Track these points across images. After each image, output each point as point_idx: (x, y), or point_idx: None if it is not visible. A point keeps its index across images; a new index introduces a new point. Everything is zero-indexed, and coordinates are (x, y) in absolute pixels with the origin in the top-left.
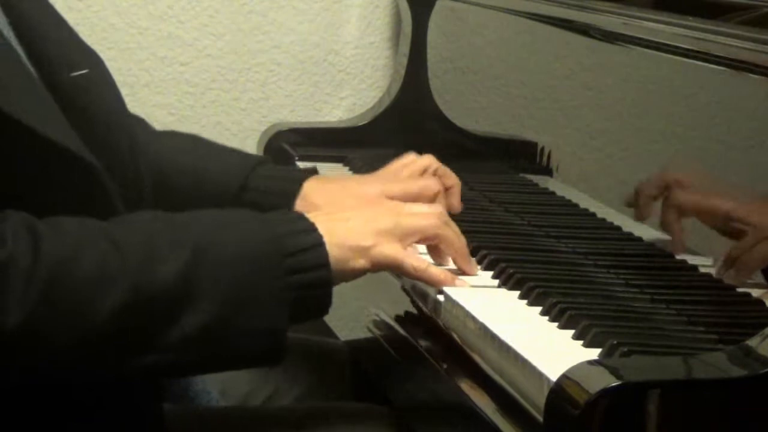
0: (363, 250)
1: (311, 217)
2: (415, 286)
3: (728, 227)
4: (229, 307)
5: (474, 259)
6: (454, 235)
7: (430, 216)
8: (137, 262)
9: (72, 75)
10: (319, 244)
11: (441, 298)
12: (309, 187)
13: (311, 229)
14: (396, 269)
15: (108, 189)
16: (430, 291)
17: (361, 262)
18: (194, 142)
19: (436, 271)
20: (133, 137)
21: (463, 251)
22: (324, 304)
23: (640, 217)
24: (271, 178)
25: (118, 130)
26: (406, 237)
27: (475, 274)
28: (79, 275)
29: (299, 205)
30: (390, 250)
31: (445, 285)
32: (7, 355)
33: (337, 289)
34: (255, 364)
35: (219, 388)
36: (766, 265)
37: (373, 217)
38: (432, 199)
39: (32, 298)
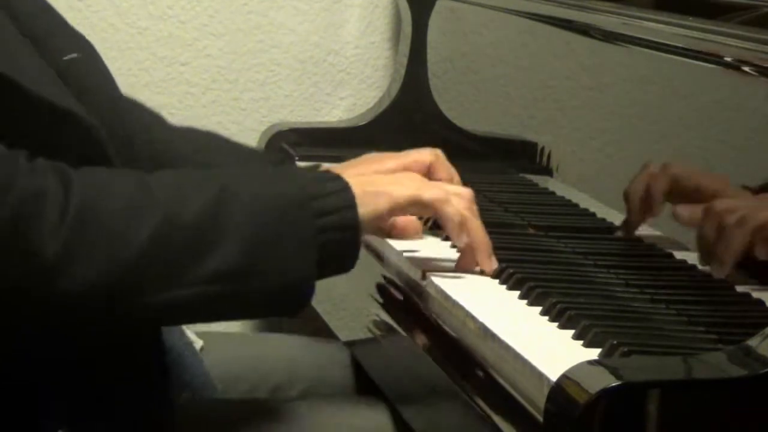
0: (386, 193)
1: (337, 168)
2: (416, 286)
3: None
4: (256, 245)
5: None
6: (478, 223)
7: (459, 192)
8: (166, 197)
9: (65, 59)
10: (344, 188)
11: (441, 297)
12: None
13: (336, 176)
14: (416, 204)
15: (112, 156)
16: (431, 290)
17: (382, 202)
18: (212, 140)
19: (454, 211)
20: (128, 122)
21: (485, 241)
22: (352, 249)
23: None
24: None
25: (111, 113)
26: (420, 203)
27: (492, 270)
28: (109, 206)
29: None
30: (409, 192)
31: (461, 233)
32: (45, 285)
33: (337, 289)
34: (277, 308)
35: (221, 387)
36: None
37: (399, 175)
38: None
39: (66, 227)
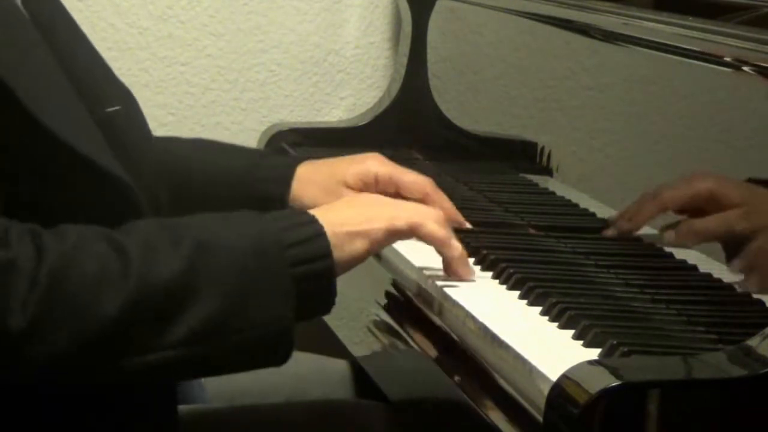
0: (361, 233)
1: (312, 210)
2: (416, 287)
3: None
4: (232, 300)
5: (471, 261)
6: (459, 249)
7: (427, 212)
8: (138, 261)
9: (107, 111)
10: (319, 233)
11: (441, 297)
12: (302, 170)
13: (311, 220)
14: (394, 235)
15: (145, 213)
16: (431, 290)
17: (359, 245)
18: (197, 144)
19: (434, 229)
20: (159, 175)
21: (460, 254)
22: (328, 296)
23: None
24: (271, 168)
25: (148, 166)
26: (396, 232)
27: (472, 279)
28: (81, 277)
29: (295, 188)
30: (384, 224)
31: (450, 246)
32: (11, 355)
33: (337, 290)
34: (261, 360)
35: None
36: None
37: (370, 204)
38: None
39: (35, 300)
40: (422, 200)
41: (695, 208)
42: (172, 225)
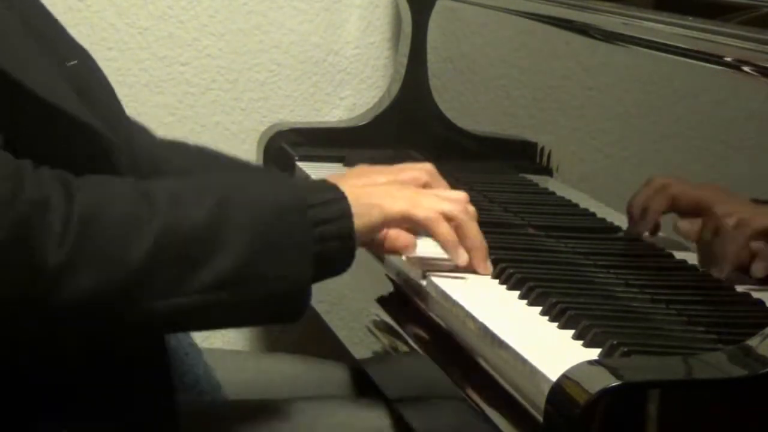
0: (378, 205)
1: (333, 177)
2: (416, 286)
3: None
4: (254, 253)
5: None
6: (465, 258)
7: (452, 198)
8: (166, 207)
9: (68, 65)
10: (341, 197)
11: (441, 298)
12: None
13: (333, 186)
14: (407, 220)
15: (122, 169)
16: (431, 290)
17: (375, 214)
18: (206, 155)
19: (446, 230)
20: (130, 133)
21: (481, 245)
22: (347, 257)
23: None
24: None
25: (116, 119)
26: (412, 220)
27: (488, 273)
28: (111, 216)
29: None
30: (402, 203)
31: (458, 252)
32: (49, 291)
33: (337, 290)
34: (276, 314)
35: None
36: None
37: (390, 190)
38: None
39: (70, 238)
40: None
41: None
42: (195, 180)
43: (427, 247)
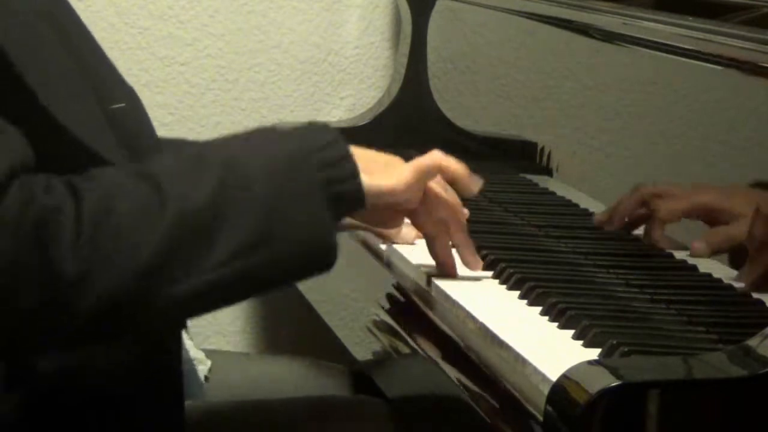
0: (388, 171)
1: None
2: (416, 286)
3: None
4: (269, 210)
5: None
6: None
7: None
8: (171, 190)
9: (113, 107)
10: (341, 138)
11: (441, 298)
12: None
13: (332, 128)
14: (420, 172)
15: None
16: (431, 290)
17: (386, 176)
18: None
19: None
20: None
21: (467, 242)
22: (358, 194)
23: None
24: None
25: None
26: (423, 168)
27: (478, 269)
28: (120, 214)
29: None
30: (410, 167)
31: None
32: (70, 301)
33: (337, 290)
34: (309, 267)
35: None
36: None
37: (398, 161)
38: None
39: (84, 243)
40: None
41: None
42: (194, 149)
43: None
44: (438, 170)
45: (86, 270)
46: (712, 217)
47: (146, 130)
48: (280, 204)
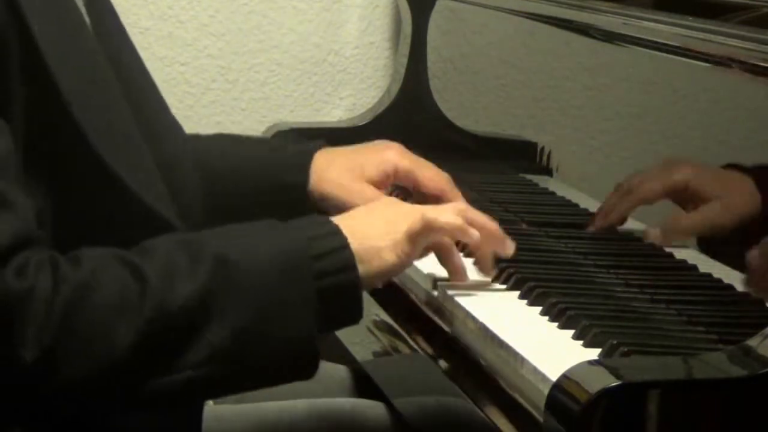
0: (388, 247)
1: (334, 219)
2: (415, 287)
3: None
4: (255, 316)
5: (471, 261)
6: (477, 235)
7: (450, 212)
8: (156, 284)
9: (167, 156)
10: (344, 246)
11: (441, 298)
12: (321, 159)
13: (334, 231)
14: (414, 239)
15: None
16: (431, 290)
17: (387, 257)
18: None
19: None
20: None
21: (486, 254)
22: (354, 307)
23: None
24: (290, 156)
25: (197, 207)
26: (429, 233)
27: (489, 279)
28: (96, 305)
29: (314, 178)
30: (404, 229)
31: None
32: (27, 387)
33: None
34: (286, 376)
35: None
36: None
37: (387, 212)
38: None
39: (50, 330)
40: (438, 197)
41: (673, 198)
42: (191, 241)
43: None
44: (431, 231)
45: (47, 357)
46: (690, 199)
47: (192, 174)
48: (270, 312)
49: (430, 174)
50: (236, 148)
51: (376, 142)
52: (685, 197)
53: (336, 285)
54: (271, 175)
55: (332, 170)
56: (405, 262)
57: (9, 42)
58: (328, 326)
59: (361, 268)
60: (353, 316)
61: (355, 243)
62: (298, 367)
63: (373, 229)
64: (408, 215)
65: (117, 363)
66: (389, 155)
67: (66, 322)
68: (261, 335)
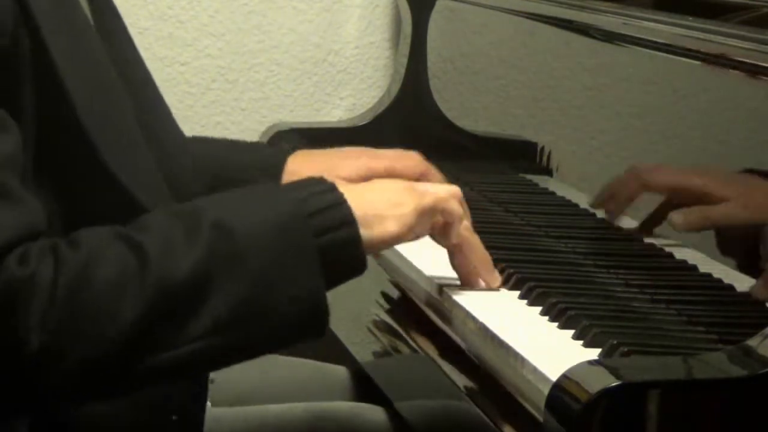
0: (391, 216)
1: (340, 186)
2: (415, 287)
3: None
4: (258, 280)
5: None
6: (474, 236)
7: (450, 188)
8: (156, 257)
9: (174, 168)
10: (341, 201)
11: (441, 298)
12: (294, 163)
13: (331, 188)
14: (422, 215)
15: None
16: (431, 290)
17: (390, 226)
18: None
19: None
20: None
21: (485, 257)
22: (357, 261)
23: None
24: (261, 160)
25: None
26: (425, 210)
27: (496, 286)
28: (98, 284)
29: (286, 181)
30: (412, 205)
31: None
32: (34, 375)
33: (337, 289)
34: (298, 336)
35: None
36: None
37: (393, 189)
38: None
39: (54, 315)
40: (419, 178)
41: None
42: (188, 211)
43: (427, 248)
44: (440, 212)
45: (53, 341)
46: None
47: (190, 183)
48: (272, 274)
49: (404, 162)
50: (215, 150)
51: (348, 148)
52: (694, 198)
53: (336, 239)
54: (248, 176)
55: (306, 170)
56: (407, 235)
57: (21, 45)
58: (333, 280)
59: (362, 231)
60: (356, 267)
61: (358, 211)
62: (307, 325)
63: (377, 200)
64: (417, 192)
65: (122, 340)
66: (363, 160)
67: (69, 305)
68: (267, 299)
